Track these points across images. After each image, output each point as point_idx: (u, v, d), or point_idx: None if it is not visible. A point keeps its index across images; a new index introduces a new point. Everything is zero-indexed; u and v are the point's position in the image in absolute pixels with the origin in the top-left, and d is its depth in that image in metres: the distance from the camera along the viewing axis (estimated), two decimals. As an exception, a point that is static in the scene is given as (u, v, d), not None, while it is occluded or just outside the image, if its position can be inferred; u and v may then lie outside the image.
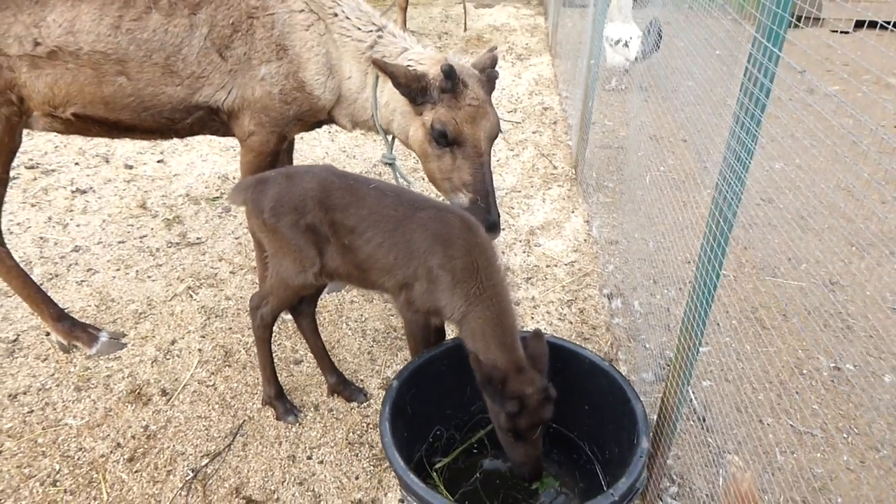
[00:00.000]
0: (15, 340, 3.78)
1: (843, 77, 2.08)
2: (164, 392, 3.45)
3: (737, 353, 3.58)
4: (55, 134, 3.45)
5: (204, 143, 6.27)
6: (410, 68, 3.09)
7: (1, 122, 3.09)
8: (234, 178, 5.65)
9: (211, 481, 2.97)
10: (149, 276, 4.37)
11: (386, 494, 2.91)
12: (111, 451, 3.10)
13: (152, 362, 3.64)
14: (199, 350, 3.73)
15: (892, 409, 3.27)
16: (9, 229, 4.74)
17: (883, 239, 4.15)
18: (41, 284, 3.79)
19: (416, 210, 2.65)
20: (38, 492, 2.90)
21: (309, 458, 3.09)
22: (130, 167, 5.84)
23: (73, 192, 5.40)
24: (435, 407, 2.92)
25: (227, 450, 3.12)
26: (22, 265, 3.60)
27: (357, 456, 3.10)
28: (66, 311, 3.73)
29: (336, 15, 3.22)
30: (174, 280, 4.34)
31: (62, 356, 3.66)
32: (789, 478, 2.86)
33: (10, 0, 2.92)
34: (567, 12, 8.72)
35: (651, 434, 2.55)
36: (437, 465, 2.89)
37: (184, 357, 3.69)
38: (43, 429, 3.22)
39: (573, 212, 5.25)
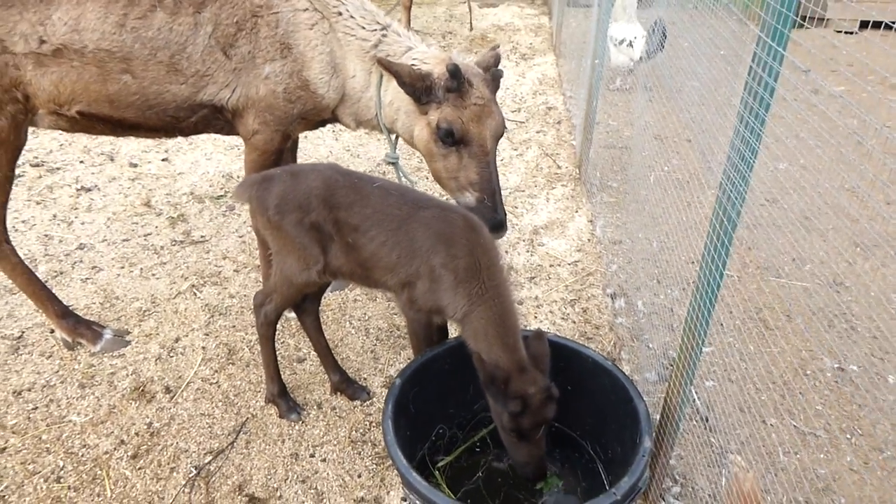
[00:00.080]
0: (20, 337, 3.80)
1: (849, 77, 2.07)
2: (167, 389, 3.45)
3: (740, 354, 3.58)
4: (60, 132, 3.46)
5: (208, 142, 6.28)
6: (415, 67, 3.09)
7: (7, 119, 3.10)
8: (238, 177, 5.66)
9: (214, 479, 2.98)
10: (153, 274, 4.39)
11: (388, 493, 2.92)
12: (115, 448, 3.11)
13: (156, 360, 3.65)
14: (203, 348, 3.74)
15: (896, 411, 3.26)
16: (14, 227, 4.76)
17: (888, 239, 4.14)
18: (46, 282, 3.81)
19: (420, 209, 2.65)
20: (42, 488, 2.91)
21: (312, 456, 3.10)
22: (135, 165, 5.85)
23: (77, 190, 5.42)
24: (437, 405, 2.92)
25: (230, 447, 3.13)
26: (27, 262, 3.61)
27: (360, 454, 3.10)
28: (70, 308, 3.74)
29: (340, 14, 3.22)
30: (178, 278, 4.35)
31: (66, 353, 3.67)
32: (792, 478, 2.86)
33: (15, -2, 2.94)
34: (571, 12, 8.72)
35: (654, 434, 2.55)
36: (440, 464, 2.89)
37: (187, 355, 3.70)
38: (47, 425, 3.23)
39: (577, 211, 5.25)
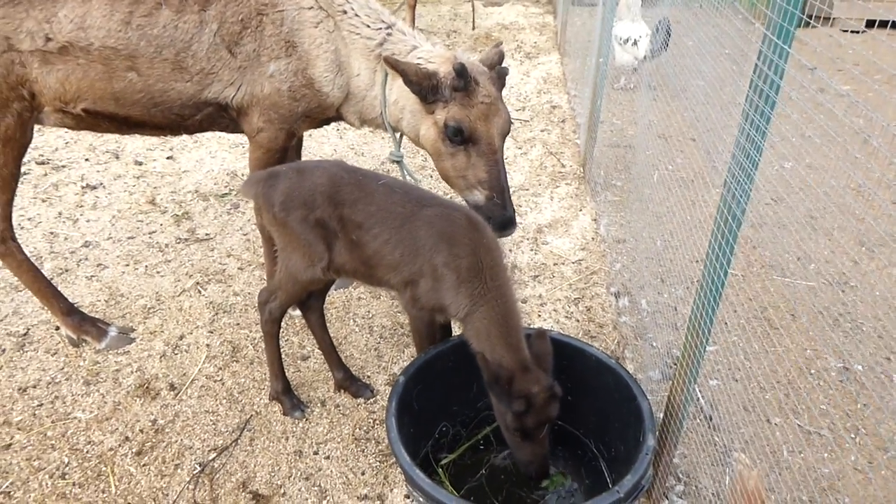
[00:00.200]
0: (25, 334, 3.81)
1: (855, 76, 2.07)
2: (172, 387, 3.46)
3: (745, 353, 3.57)
4: (66, 130, 3.47)
5: (213, 140, 6.29)
6: (421, 66, 3.08)
7: (13, 117, 3.11)
8: (242, 175, 5.68)
9: (218, 475, 2.99)
10: (158, 272, 4.40)
11: (392, 490, 2.92)
12: (119, 445, 3.12)
13: (161, 357, 3.66)
14: (207, 345, 3.75)
15: (900, 410, 3.25)
16: (20, 224, 4.77)
17: (894, 238, 4.13)
18: (51, 279, 3.82)
19: (423, 207, 2.65)
20: (47, 484, 2.93)
21: (315, 453, 3.10)
22: (140, 163, 5.87)
23: (83, 187, 5.43)
24: (441, 403, 2.93)
25: (234, 444, 3.14)
26: (33, 260, 3.62)
27: (363, 452, 3.11)
28: (75, 305, 3.76)
29: (345, 12, 3.22)
30: (183, 276, 4.36)
31: (72, 350, 3.68)
32: (797, 477, 2.85)
33: (22, -4, 2.94)
34: (576, 11, 8.71)
35: (657, 432, 2.54)
36: (443, 461, 2.90)
37: (192, 352, 3.71)
38: (52, 422, 3.25)
39: (581, 210, 5.24)
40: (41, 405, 3.34)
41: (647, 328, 3.79)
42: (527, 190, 5.56)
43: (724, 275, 2.09)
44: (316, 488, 2.93)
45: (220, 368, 3.59)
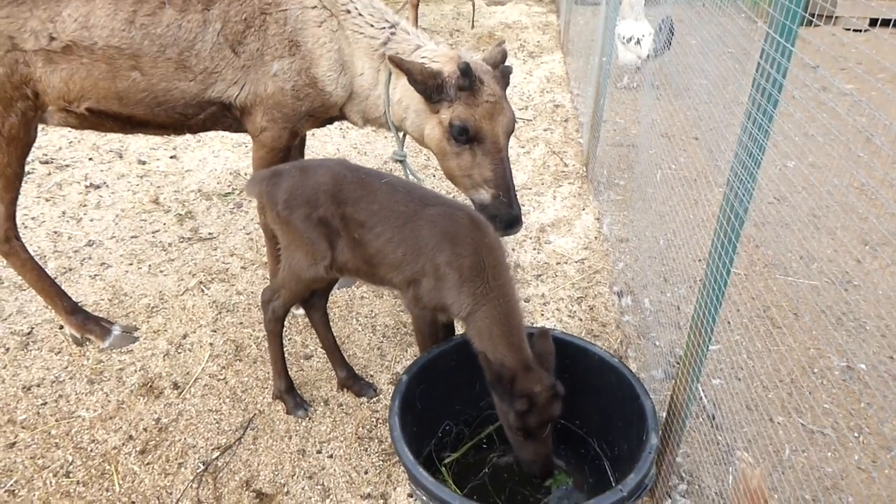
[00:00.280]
0: (29, 333, 3.82)
1: (858, 75, 2.07)
2: (175, 385, 3.47)
3: (747, 352, 3.57)
4: (69, 129, 3.48)
5: (216, 140, 6.30)
6: (426, 66, 3.09)
7: (17, 116, 3.12)
8: (245, 174, 5.68)
9: (221, 474, 3.00)
10: (161, 271, 4.41)
11: (395, 489, 2.92)
12: (123, 444, 3.13)
13: (164, 356, 3.67)
14: (211, 344, 3.76)
15: (904, 409, 3.25)
16: (24, 223, 4.79)
17: (897, 237, 4.11)
18: (55, 278, 3.83)
19: (426, 206, 2.66)
20: (51, 483, 2.94)
21: (319, 452, 3.11)
22: (143, 163, 5.88)
23: (86, 187, 5.45)
24: (444, 402, 2.93)
25: (237, 443, 3.15)
26: (36, 259, 3.63)
27: (366, 450, 3.11)
28: (79, 304, 3.77)
29: (349, 12, 3.22)
30: (186, 275, 4.37)
31: (75, 349, 3.69)
32: (800, 476, 2.85)
33: (26, -5, 2.95)
34: (579, 10, 8.69)
35: (660, 431, 2.54)
36: (446, 460, 2.90)
37: (195, 351, 3.71)
38: (56, 421, 3.26)
39: (584, 209, 5.24)
40: (45, 404, 3.35)
41: (649, 327, 3.79)
42: (529, 189, 5.56)
43: (727, 274, 2.09)
44: (319, 487, 2.94)
45: (224, 367, 3.60)
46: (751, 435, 3.09)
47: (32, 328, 3.86)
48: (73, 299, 3.73)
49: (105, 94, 3.13)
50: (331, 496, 2.90)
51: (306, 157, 4.22)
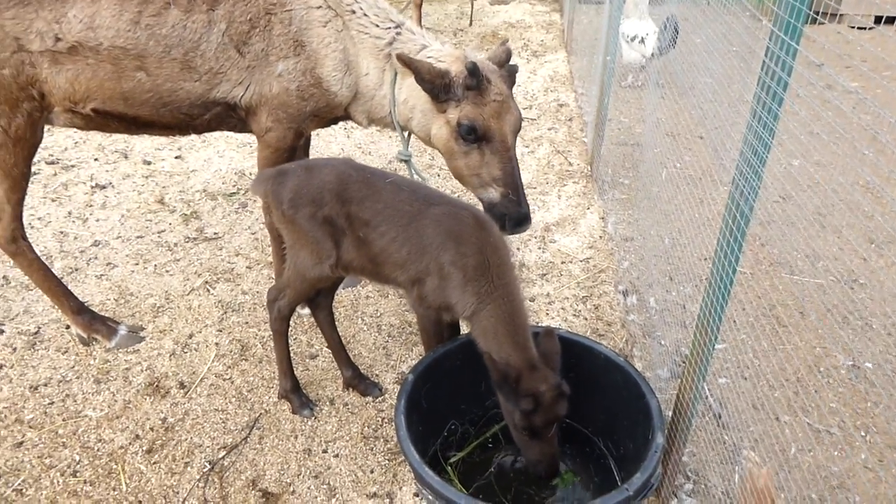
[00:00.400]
0: (36, 333, 3.84)
1: (863, 72, 2.06)
2: (181, 385, 3.48)
3: (753, 351, 3.56)
4: (75, 130, 3.49)
5: (221, 140, 6.31)
6: (434, 65, 3.09)
7: (23, 117, 3.13)
8: (250, 174, 5.69)
9: (228, 473, 3.01)
10: (167, 271, 4.42)
11: (401, 488, 2.93)
12: (130, 443, 3.15)
13: (170, 356, 3.68)
14: (216, 344, 3.77)
15: (911, 408, 3.24)
16: (30, 224, 4.81)
17: (903, 236, 4.11)
18: (61, 278, 3.84)
19: (430, 206, 2.66)
20: (58, 482, 2.95)
21: (324, 451, 3.12)
22: (149, 163, 5.90)
23: (92, 187, 5.47)
24: (450, 401, 2.93)
25: (243, 442, 3.16)
26: (43, 259, 3.65)
27: (372, 450, 3.12)
28: (85, 304, 3.78)
29: (354, 12, 3.22)
30: (192, 275, 4.38)
31: (82, 349, 3.71)
32: (806, 475, 2.84)
33: (32, -3, 2.96)
34: (583, 9, 8.68)
35: (666, 430, 2.54)
36: (452, 459, 2.90)
37: (201, 351, 3.73)
38: (63, 420, 3.27)
39: (588, 208, 5.24)
40: (52, 403, 3.36)
41: (655, 326, 3.79)
42: (534, 188, 5.56)
43: (733, 272, 2.09)
44: (325, 486, 2.94)
45: (230, 367, 3.61)
46: (757, 434, 3.08)
47: (39, 328, 3.88)
48: (80, 299, 3.75)
49: (110, 94, 3.14)
50: (336, 495, 2.90)
51: (311, 157, 4.23)
